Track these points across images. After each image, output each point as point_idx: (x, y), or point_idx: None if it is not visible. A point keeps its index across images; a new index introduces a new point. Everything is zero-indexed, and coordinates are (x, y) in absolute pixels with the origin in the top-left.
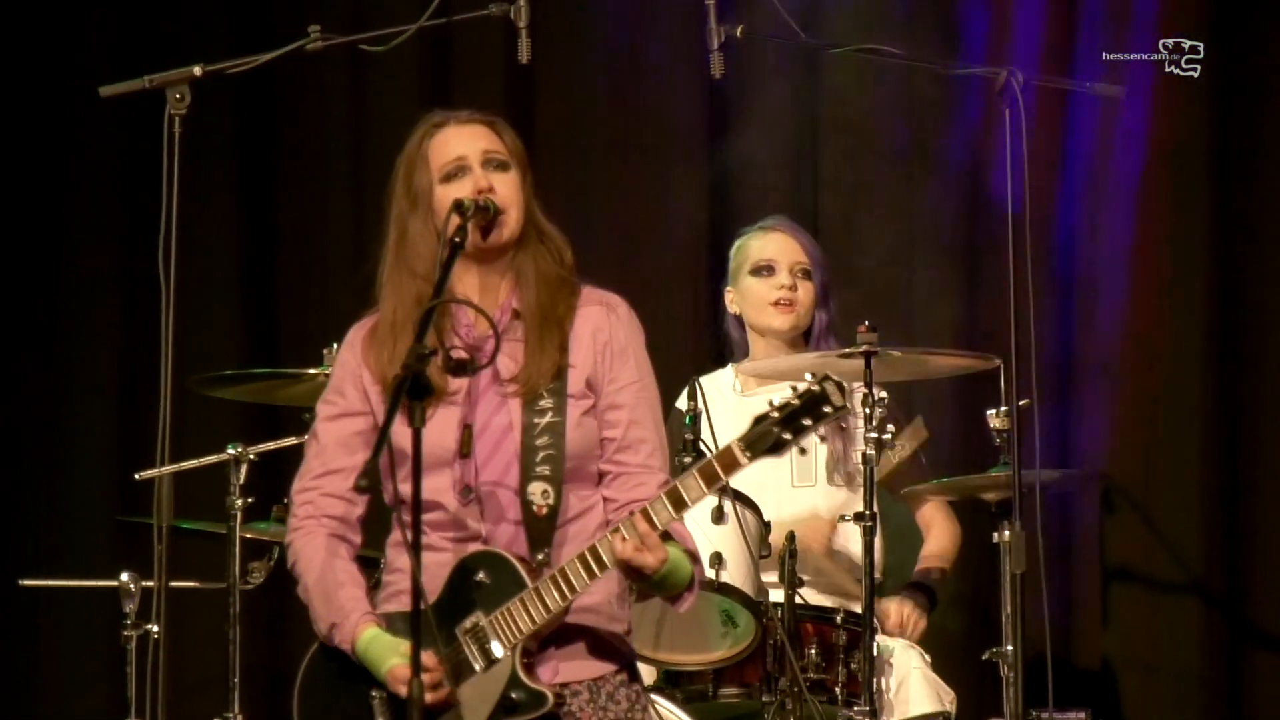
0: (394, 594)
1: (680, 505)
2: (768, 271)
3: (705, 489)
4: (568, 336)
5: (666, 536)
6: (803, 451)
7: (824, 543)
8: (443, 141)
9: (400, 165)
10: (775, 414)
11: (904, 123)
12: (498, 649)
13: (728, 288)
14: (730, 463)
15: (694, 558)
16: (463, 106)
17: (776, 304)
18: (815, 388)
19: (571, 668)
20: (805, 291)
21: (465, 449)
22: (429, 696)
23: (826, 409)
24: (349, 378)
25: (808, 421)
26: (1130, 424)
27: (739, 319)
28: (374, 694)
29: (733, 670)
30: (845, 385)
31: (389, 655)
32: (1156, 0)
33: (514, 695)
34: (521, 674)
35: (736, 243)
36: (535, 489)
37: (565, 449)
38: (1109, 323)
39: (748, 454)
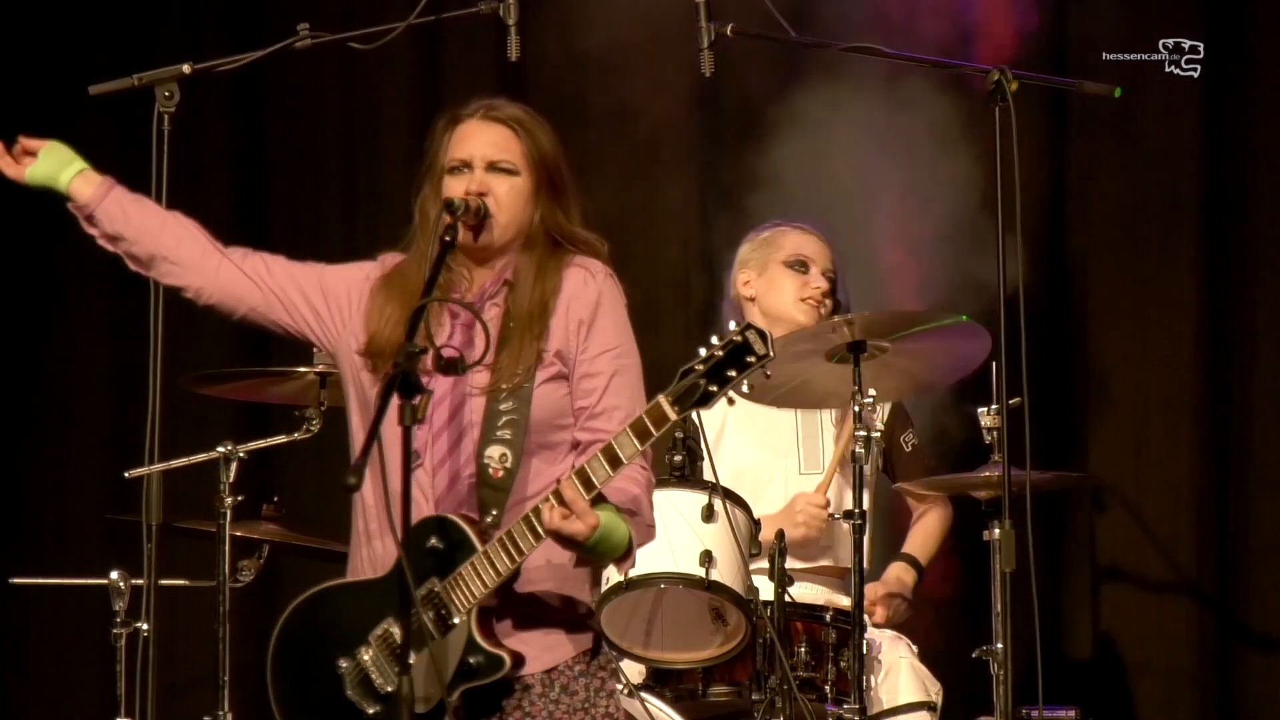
0: (354, 567)
1: (615, 462)
2: (802, 267)
3: (638, 444)
4: (549, 321)
5: (602, 501)
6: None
7: (816, 534)
8: (460, 136)
9: (430, 141)
10: (699, 366)
11: (894, 121)
12: (453, 614)
13: (743, 269)
14: (659, 417)
15: (631, 514)
16: (455, 104)
17: (808, 300)
18: (737, 338)
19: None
20: (829, 297)
21: (422, 413)
22: None
23: (750, 358)
24: (344, 286)
25: (732, 372)
26: (1121, 423)
27: (744, 301)
28: (342, 664)
29: (722, 668)
30: (768, 333)
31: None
32: (1156, 0)
33: (471, 660)
34: (479, 638)
35: (765, 233)
36: (494, 452)
37: (530, 415)
38: (1100, 321)
39: (675, 408)
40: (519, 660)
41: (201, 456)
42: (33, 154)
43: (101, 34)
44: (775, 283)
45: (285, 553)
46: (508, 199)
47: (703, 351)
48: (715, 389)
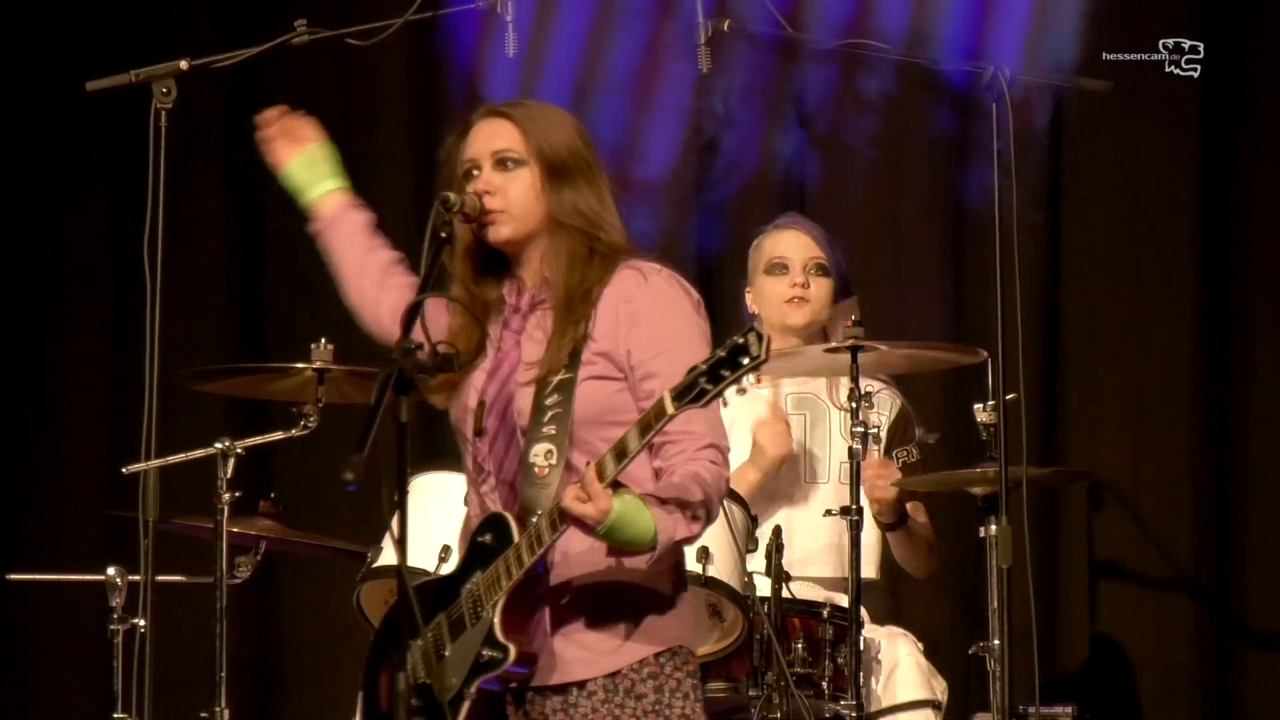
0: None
1: (622, 455)
2: (781, 269)
3: (640, 438)
4: (592, 310)
5: (623, 489)
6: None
7: (784, 446)
8: (468, 141)
9: (443, 158)
10: (702, 365)
11: (889, 117)
12: (483, 607)
13: (747, 288)
14: (659, 411)
15: (678, 506)
16: (451, 101)
17: (790, 301)
18: (740, 339)
19: (584, 664)
20: (819, 288)
21: (478, 426)
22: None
23: (744, 359)
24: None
25: (726, 373)
26: (1118, 419)
27: (757, 318)
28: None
29: (719, 664)
30: (765, 336)
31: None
32: (1156, 0)
33: (485, 652)
34: (497, 630)
35: (754, 243)
36: (539, 449)
37: (574, 410)
38: (1097, 317)
39: (675, 403)
40: (525, 658)
41: (199, 453)
42: (299, 142)
43: (98, 30)
44: (762, 292)
45: (282, 549)
46: (516, 193)
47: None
48: (710, 387)
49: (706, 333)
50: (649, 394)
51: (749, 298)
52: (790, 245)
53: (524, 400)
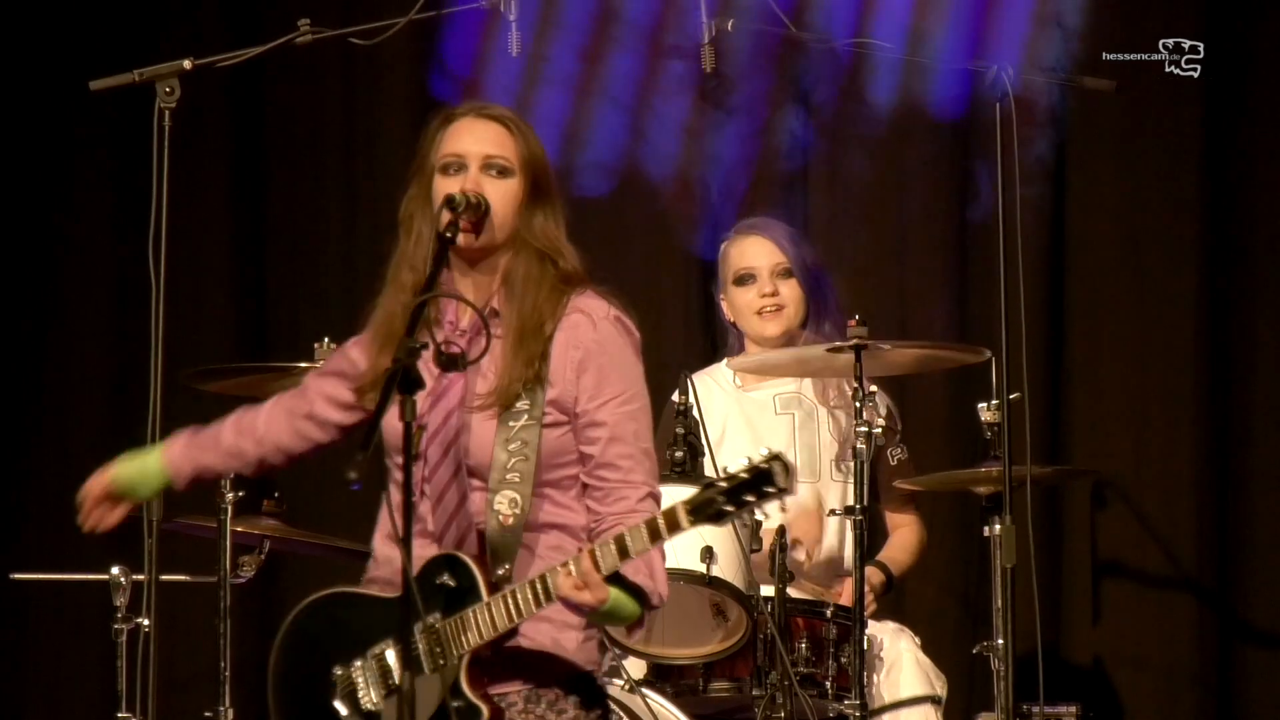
0: (370, 580)
1: (624, 554)
2: (749, 280)
3: (649, 543)
4: (549, 346)
5: (616, 577)
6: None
7: (811, 543)
8: (453, 133)
9: (422, 142)
10: (723, 483)
11: (892, 116)
12: (446, 655)
13: (720, 294)
14: (673, 524)
15: (643, 597)
16: (454, 100)
17: (761, 312)
18: (764, 465)
19: (510, 677)
20: (789, 290)
21: (417, 449)
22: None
23: (769, 489)
24: (341, 358)
25: (750, 498)
26: (1121, 418)
27: (734, 326)
28: (336, 671)
29: (723, 664)
30: (794, 468)
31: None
32: (1156, 0)
33: (454, 703)
34: (464, 683)
35: (720, 249)
36: (504, 498)
37: (538, 458)
38: (1100, 317)
39: (690, 518)
40: (497, 714)
41: None
42: (113, 496)
43: (101, 30)
44: (735, 302)
45: (286, 548)
46: (500, 201)
47: (733, 468)
48: (730, 509)
49: (642, 375)
50: (593, 440)
51: (723, 304)
52: (754, 253)
53: (473, 438)
